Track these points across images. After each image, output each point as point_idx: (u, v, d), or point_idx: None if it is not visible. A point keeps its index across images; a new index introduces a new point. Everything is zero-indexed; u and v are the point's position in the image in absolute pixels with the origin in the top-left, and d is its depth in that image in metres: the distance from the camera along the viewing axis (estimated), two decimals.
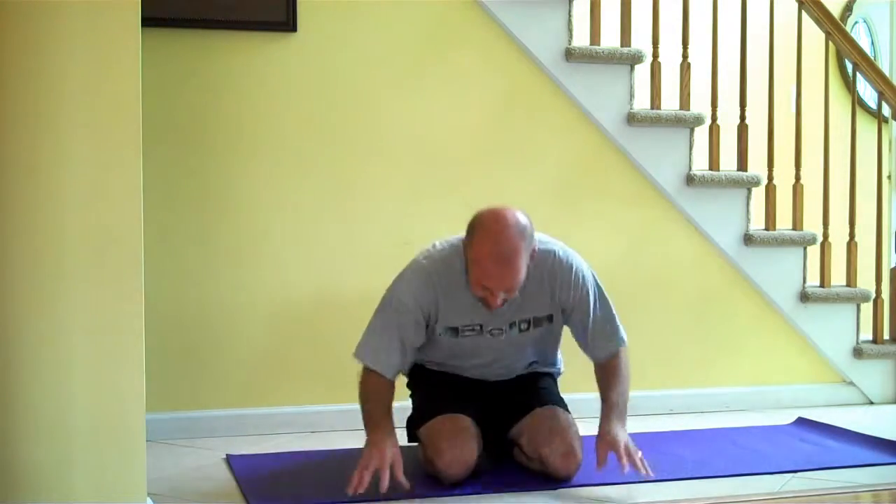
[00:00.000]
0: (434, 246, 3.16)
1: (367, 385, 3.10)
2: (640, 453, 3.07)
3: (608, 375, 3.21)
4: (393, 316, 3.08)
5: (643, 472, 3.04)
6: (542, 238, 3.14)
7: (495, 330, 3.15)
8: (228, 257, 3.78)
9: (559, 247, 3.17)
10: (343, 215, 3.87)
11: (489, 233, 2.95)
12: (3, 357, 2.48)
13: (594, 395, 3.23)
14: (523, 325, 3.18)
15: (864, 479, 3.23)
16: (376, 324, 3.11)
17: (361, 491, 2.87)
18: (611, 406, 3.15)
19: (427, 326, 3.12)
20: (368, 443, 3.01)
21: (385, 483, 2.90)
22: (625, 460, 3.02)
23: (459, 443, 3.06)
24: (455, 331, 3.14)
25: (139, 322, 2.58)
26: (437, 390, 3.24)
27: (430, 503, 2.97)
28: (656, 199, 4.16)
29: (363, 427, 3.08)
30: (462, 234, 3.07)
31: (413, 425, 3.25)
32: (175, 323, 3.71)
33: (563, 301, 3.16)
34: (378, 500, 2.97)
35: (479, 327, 3.14)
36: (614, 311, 3.25)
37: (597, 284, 3.22)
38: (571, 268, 3.14)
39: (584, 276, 3.17)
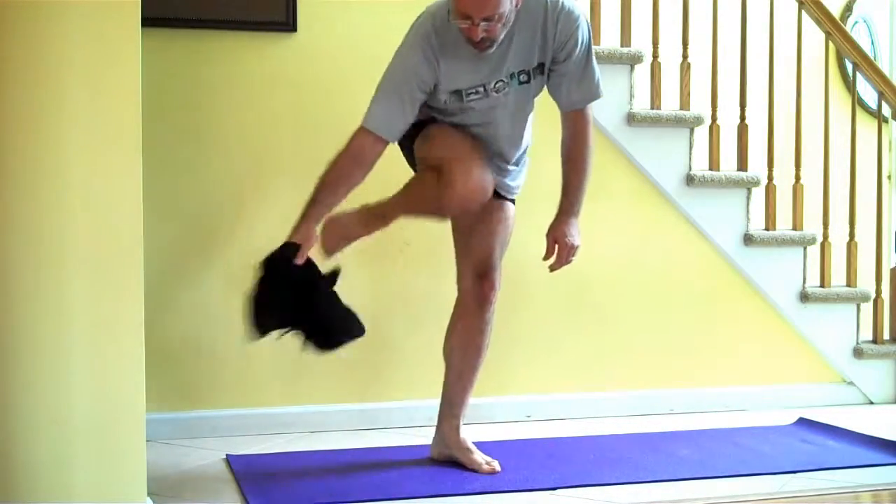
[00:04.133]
0: (432, 6, 3.14)
1: (348, 157, 3.11)
2: (574, 258, 3.21)
3: (575, 155, 3.26)
4: (399, 82, 3.10)
5: (553, 267, 3.20)
6: None
7: (499, 83, 3.12)
8: (229, 256, 3.78)
9: None
10: None
11: None
12: (3, 357, 2.48)
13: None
14: (522, 77, 3.14)
15: (864, 479, 3.23)
16: (382, 93, 3.12)
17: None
18: (571, 203, 3.23)
19: (431, 93, 3.12)
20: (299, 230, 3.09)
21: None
22: (558, 258, 3.18)
23: (476, 167, 3.08)
24: (460, 94, 3.12)
25: (139, 322, 2.58)
26: (447, 127, 3.20)
27: (429, 503, 2.97)
28: (656, 199, 4.16)
29: (309, 201, 3.11)
30: None
31: (416, 146, 3.23)
32: (175, 323, 3.71)
33: (553, 41, 3.12)
34: (378, 500, 2.97)
35: (482, 88, 3.12)
36: (596, 66, 3.23)
37: (588, 30, 3.19)
38: (567, 8, 3.11)
39: (577, 17, 3.13)
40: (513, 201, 3.32)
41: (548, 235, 3.23)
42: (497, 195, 3.24)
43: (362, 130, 3.11)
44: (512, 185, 3.31)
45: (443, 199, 3.06)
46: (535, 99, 3.28)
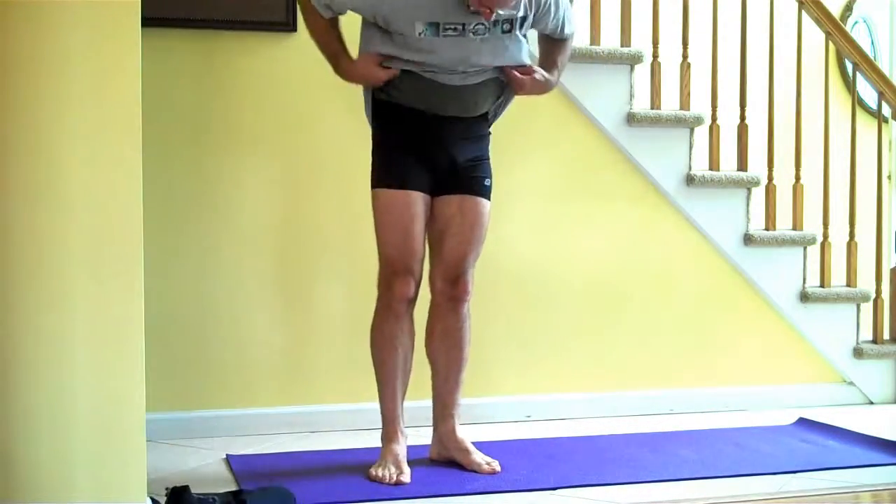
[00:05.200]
0: None
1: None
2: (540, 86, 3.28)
3: (556, 54, 3.32)
4: None
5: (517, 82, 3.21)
6: None
7: (479, 26, 3.07)
8: (229, 256, 3.78)
9: None
10: (343, 214, 3.87)
11: None
12: (3, 357, 2.48)
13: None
14: (506, 26, 3.12)
15: (864, 479, 3.23)
16: None
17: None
18: (551, 70, 3.30)
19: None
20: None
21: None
22: (524, 80, 3.20)
23: (407, 281, 3.18)
24: (437, 28, 3.05)
25: (139, 322, 2.58)
26: (394, 155, 3.22)
27: (429, 503, 2.97)
28: (656, 199, 4.16)
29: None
30: None
31: (374, 178, 3.27)
32: (175, 323, 3.71)
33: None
34: (378, 500, 2.97)
35: (461, 26, 3.06)
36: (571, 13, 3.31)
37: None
38: None
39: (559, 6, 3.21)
40: (488, 198, 3.27)
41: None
42: (470, 192, 3.24)
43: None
44: (485, 183, 3.27)
45: (385, 293, 3.20)
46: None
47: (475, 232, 3.26)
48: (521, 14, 3.12)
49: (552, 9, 3.19)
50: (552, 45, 3.34)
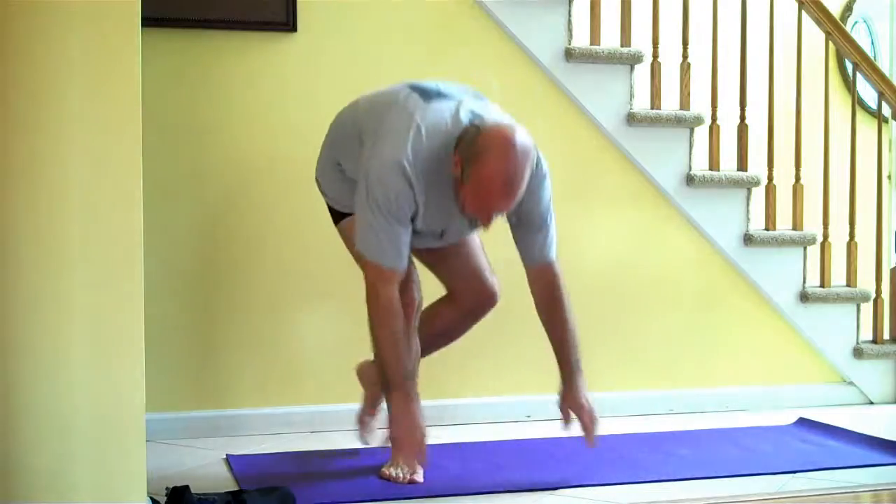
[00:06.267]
0: (418, 131, 2.95)
1: (384, 300, 3.00)
2: (597, 421, 3.19)
3: (551, 310, 3.20)
4: (391, 213, 2.95)
5: (590, 443, 3.18)
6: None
7: (454, 229, 3.12)
8: (229, 256, 3.78)
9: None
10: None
11: (501, 157, 2.86)
12: (3, 357, 2.48)
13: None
14: (475, 224, 3.12)
15: (864, 479, 3.23)
16: (371, 221, 2.96)
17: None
18: (570, 364, 3.19)
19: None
20: (399, 412, 3.00)
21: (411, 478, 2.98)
22: (587, 428, 3.17)
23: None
24: (416, 233, 3.05)
25: (139, 322, 2.58)
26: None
27: (429, 503, 2.97)
28: (656, 199, 4.16)
29: (382, 363, 3.06)
30: (441, 105, 3.01)
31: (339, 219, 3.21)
32: (175, 323, 3.71)
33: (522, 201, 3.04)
34: (378, 500, 2.97)
35: (440, 232, 3.10)
36: (554, 227, 3.19)
37: (550, 192, 3.17)
38: (542, 172, 3.10)
39: (545, 181, 3.12)
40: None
41: (561, 406, 3.20)
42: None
43: (382, 274, 2.99)
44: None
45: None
46: None
47: (476, 246, 3.32)
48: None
49: (534, 203, 3.08)
50: (543, 287, 3.19)
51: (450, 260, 3.32)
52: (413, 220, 2.99)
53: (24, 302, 2.49)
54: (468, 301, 3.37)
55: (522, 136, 2.92)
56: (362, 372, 3.46)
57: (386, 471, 3.12)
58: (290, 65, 3.81)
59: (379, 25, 3.89)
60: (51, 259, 2.50)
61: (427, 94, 3.05)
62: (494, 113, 3.07)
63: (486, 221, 2.97)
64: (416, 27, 3.93)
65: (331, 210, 3.30)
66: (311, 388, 3.85)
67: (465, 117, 3.00)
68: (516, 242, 3.17)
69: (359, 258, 3.07)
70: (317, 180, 3.32)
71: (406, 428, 3.08)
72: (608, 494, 3.04)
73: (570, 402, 3.18)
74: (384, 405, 3.24)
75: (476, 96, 3.14)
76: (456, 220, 3.08)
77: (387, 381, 3.09)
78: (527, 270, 3.20)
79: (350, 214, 3.15)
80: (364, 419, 3.48)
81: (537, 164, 3.06)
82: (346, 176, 3.17)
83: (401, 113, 3.00)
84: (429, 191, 2.96)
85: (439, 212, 3.02)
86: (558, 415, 3.98)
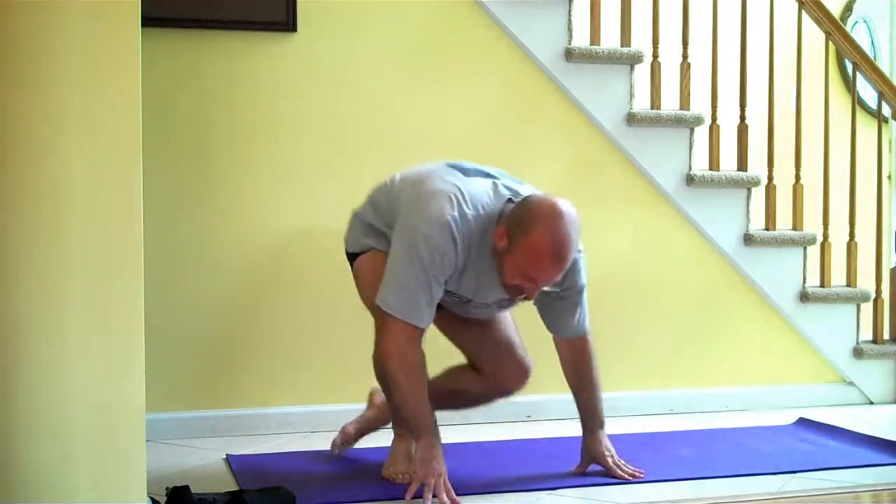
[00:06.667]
0: (463, 197, 2.95)
1: (412, 359, 2.94)
2: (623, 461, 3.19)
3: (580, 373, 3.21)
4: (433, 271, 2.91)
5: (633, 476, 3.14)
6: None
7: (481, 304, 3.10)
8: (229, 256, 3.78)
9: None
10: (343, 215, 3.86)
11: (553, 226, 2.86)
12: (2, 357, 2.48)
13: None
14: (504, 303, 3.13)
15: (864, 479, 3.23)
16: (409, 278, 2.91)
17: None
18: (594, 420, 3.22)
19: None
20: (425, 450, 2.94)
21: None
22: (616, 472, 3.14)
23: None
24: (467, 300, 3.07)
25: (139, 322, 2.58)
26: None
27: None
28: (656, 199, 4.16)
29: (407, 417, 2.99)
30: (487, 185, 3.02)
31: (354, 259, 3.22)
32: (175, 323, 3.71)
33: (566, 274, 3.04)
34: (378, 500, 2.97)
35: (467, 300, 3.08)
36: (585, 297, 3.19)
37: (584, 265, 3.15)
38: (576, 261, 3.07)
39: (580, 268, 3.11)
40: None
41: (584, 456, 3.22)
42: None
43: (411, 333, 2.93)
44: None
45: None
46: None
47: (506, 315, 3.29)
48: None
49: (570, 283, 3.09)
50: (570, 356, 3.21)
51: (479, 332, 3.26)
52: (445, 281, 2.97)
53: (24, 302, 2.49)
54: (497, 381, 3.30)
55: (570, 207, 2.92)
56: (373, 400, 3.46)
57: (385, 470, 3.13)
58: (290, 65, 3.81)
59: (379, 25, 3.89)
60: (51, 259, 2.50)
61: (465, 171, 3.08)
62: (531, 191, 3.08)
63: (532, 291, 2.93)
64: (416, 27, 3.93)
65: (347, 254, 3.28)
66: (311, 388, 3.85)
67: (504, 192, 3.03)
68: (547, 314, 3.17)
69: (375, 309, 3.03)
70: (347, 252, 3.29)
71: (430, 466, 2.95)
72: (608, 494, 3.04)
73: (595, 451, 3.21)
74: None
75: (511, 178, 3.17)
76: (486, 291, 3.04)
77: (410, 428, 3.04)
78: (557, 339, 3.22)
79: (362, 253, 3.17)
80: (348, 431, 3.44)
81: (573, 267, 3.06)
82: (370, 224, 3.16)
83: (444, 178, 3.01)
84: (468, 256, 2.95)
85: (474, 279, 3.00)
86: (558, 415, 3.99)
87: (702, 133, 4.26)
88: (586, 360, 3.20)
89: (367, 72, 3.89)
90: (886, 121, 4.50)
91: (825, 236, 4.38)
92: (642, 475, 3.16)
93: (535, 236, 2.86)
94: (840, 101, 4.93)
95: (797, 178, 4.36)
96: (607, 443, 3.22)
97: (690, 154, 4.19)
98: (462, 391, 3.32)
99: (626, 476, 3.15)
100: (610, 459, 3.19)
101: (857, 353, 4.35)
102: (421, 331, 2.95)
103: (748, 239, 4.22)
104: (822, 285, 4.35)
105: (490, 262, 2.96)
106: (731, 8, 4.32)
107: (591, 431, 3.23)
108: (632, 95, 4.12)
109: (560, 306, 3.14)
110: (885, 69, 5.38)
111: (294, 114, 3.82)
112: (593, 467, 3.21)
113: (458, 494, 2.98)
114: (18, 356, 2.49)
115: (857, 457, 3.45)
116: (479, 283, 3.01)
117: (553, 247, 2.85)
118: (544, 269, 2.88)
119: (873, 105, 4.66)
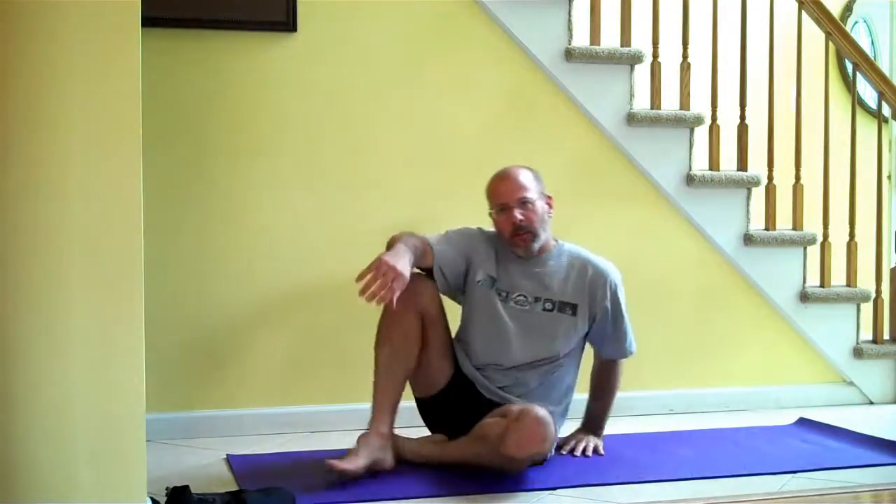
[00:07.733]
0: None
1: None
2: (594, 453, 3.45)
3: (603, 382, 3.52)
4: (453, 234, 3.41)
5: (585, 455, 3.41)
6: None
7: (520, 298, 3.36)
8: (229, 257, 3.78)
9: (594, 256, 3.48)
10: (343, 215, 3.87)
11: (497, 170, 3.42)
12: (2, 357, 2.48)
13: (584, 395, 3.21)
14: (548, 305, 3.36)
15: (864, 479, 3.23)
16: (441, 234, 3.41)
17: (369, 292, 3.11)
18: (597, 424, 3.51)
19: (467, 273, 3.38)
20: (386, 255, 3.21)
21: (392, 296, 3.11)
22: (575, 449, 3.43)
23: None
24: (493, 280, 3.36)
25: (139, 322, 2.58)
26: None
27: (429, 503, 2.97)
28: (656, 199, 4.16)
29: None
30: None
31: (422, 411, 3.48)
32: (175, 323, 3.71)
33: (594, 298, 3.40)
34: (378, 500, 2.97)
35: (505, 293, 3.36)
36: (629, 322, 3.48)
37: (623, 294, 3.47)
38: (605, 272, 3.42)
39: (616, 283, 3.44)
40: None
41: (571, 436, 3.50)
42: None
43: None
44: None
45: None
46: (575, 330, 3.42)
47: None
48: (571, 301, 3.40)
49: (605, 307, 3.43)
50: (599, 372, 3.54)
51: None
52: (477, 267, 3.37)
53: (24, 302, 2.49)
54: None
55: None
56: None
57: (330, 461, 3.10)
58: (290, 65, 3.81)
59: (379, 25, 3.88)
60: (51, 259, 2.51)
61: None
62: None
63: (510, 216, 3.31)
64: (416, 27, 3.93)
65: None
66: (311, 388, 3.85)
67: None
68: (595, 339, 3.48)
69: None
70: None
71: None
72: (608, 494, 3.05)
73: (576, 436, 3.50)
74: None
75: None
76: (516, 280, 3.37)
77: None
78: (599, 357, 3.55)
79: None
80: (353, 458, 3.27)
81: (607, 273, 3.44)
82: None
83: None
84: (498, 252, 3.40)
85: (506, 270, 3.39)
86: None
87: (702, 133, 4.26)
88: (614, 377, 3.52)
89: (367, 72, 3.89)
90: (886, 121, 4.50)
91: (825, 236, 4.37)
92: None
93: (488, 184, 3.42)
94: (840, 101, 4.93)
95: (797, 178, 4.36)
96: (594, 442, 3.47)
97: (690, 154, 4.18)
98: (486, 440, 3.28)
99: (577, 455, 3.41)
100: (580, 445, 3.44)
101: (857, 353, 4.35)
102: (431, 247, 3.33)
103: (748, 239, 4.22)
104: (822, 285, 4.35)
105: (516, 261, 3.39)
106: (731, 8, 4.32)
107: (588, 430, 3.51)
108: (632, 95, 4.12)
109: (609, 330, 3.45)
110: (885, 69, 5.38)
111: (294, 114, 3.82)
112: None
113: (458, 494, 2.98)
114: (19, 357, 2.49)
115: (857, 457, 3.45)
116: (509, 273, 3.38)
117: (498, 174, 3.40)
118: (496, 191, 3.37)
119: (873, 105, 4.66)
